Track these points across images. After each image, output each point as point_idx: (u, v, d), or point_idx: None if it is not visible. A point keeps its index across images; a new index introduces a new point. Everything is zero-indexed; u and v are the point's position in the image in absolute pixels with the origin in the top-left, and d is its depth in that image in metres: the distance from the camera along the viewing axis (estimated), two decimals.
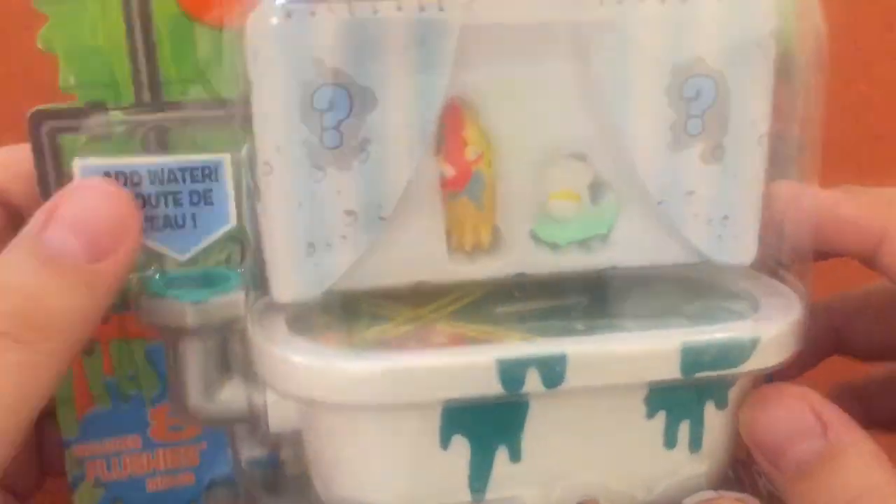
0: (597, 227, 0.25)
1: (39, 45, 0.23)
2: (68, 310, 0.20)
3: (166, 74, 0.24)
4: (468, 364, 0.20)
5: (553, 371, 0.20)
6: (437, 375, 0.20)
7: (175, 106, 0.23)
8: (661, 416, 0.22)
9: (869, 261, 0.23)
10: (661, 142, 0.23)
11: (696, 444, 0.23)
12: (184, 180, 0.21)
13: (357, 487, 0.22)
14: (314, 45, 0.21)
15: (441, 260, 0.24)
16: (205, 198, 0.21)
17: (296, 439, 0.23)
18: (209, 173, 0.21)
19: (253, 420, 0.22)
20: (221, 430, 0.27)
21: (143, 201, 0.21)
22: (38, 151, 0.23)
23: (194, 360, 0.22)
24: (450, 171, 0.24)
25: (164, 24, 0.23)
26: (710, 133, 0.23)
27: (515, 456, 0.22)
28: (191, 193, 0.21)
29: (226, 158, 0.22)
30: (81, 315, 0.20)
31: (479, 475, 0.22)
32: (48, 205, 0.20)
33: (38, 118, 0.23)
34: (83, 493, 0.27)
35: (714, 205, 0.24)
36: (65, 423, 0.26)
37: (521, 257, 0.24)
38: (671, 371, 0.21)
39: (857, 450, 0.21)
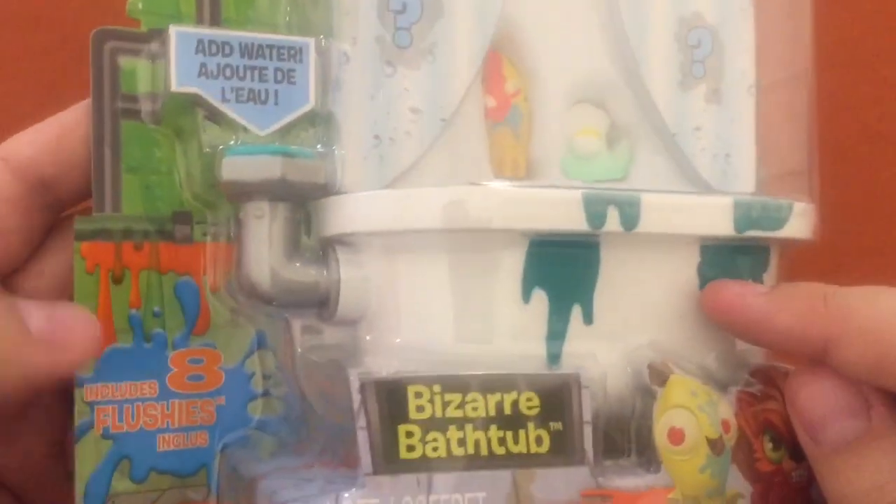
0: (613, 171, 0.27)
1: None
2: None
3: (227, 14, 0.25)
4: (558, 198, 0.22)
5: (630, 211, 0.22)
6: (528, 204, 0.21)
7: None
8: None
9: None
10: (674, 79, 0.26)
11: None
12: (271, 57, 0.23)
13: (427, 334, 0.22)
14: None
15: (485, 178, 0.25)
16: (288, 77, 0.23)
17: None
18: (294, 53, 0.23)
19: (321, 301, 0.22)
20: (243, 381, 0.26)
21: (232, 72, 0.22)
22: (97, 69, 0.24)
23: (266, 223, 0.22)
24: (492, 103, 0.26)
25: None
26: (710, 77, 0.27)
27: (588, 318, 0.22)
28: (276, 71, 0.23)
29: (311, 42, 0.23)
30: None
31: (556, 334, 0.22)
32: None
33: (102, 37, 0.24)
34: (87, 446, 0.24)
35: (718, 141, 0.27)
36: None
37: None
38: (726, 226, 0.23)
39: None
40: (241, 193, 0.22)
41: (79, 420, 0.24)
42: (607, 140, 0.27)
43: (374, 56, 0.23)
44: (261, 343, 0.26)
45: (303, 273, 0.22)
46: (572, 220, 0.21)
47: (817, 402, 0.22)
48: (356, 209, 0.22)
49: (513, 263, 0.22)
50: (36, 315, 0.22)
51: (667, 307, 0.23)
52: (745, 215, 0.23)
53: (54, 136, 0.23)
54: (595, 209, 0.22)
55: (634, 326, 0.23)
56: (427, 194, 0.21)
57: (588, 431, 0.21)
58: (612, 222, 0.22)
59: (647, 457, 0.22)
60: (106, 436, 0.24)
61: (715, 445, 0.22)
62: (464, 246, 0.22)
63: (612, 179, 0.27)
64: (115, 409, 0.24)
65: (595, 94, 0.27)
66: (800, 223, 0.24)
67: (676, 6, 0.26)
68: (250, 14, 0.25)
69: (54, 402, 0.24)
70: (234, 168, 0.21)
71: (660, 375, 0.22)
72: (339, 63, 0.23)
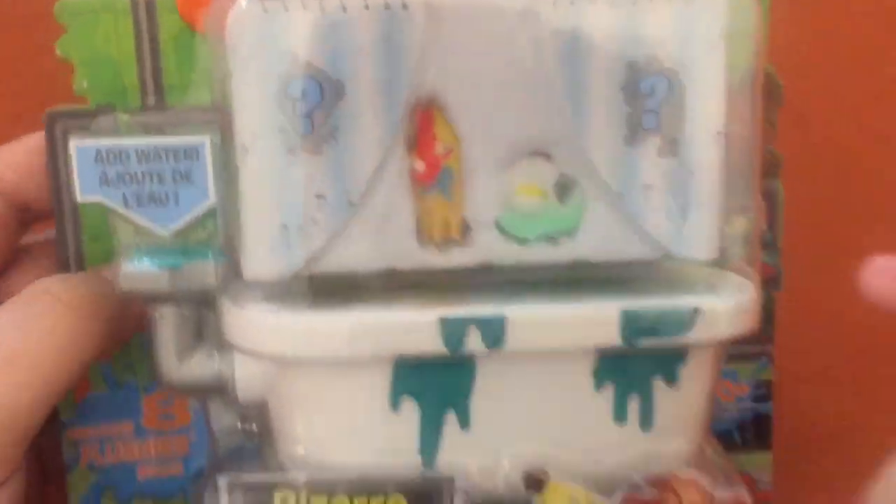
0: (563, 223, 0.26)
1: (58, 52, 0.26)
2: (119, 303, 0.24)
3: (169, 80, 0.26)
4: (412, 322, 0.21)
5: (493, 331, 0.21)
6: (384, 330, 0.21)
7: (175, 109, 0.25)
8: (609, 389, 0.23)
9: None
10: (618, 135, 0.24)
11: (646, 420, 0.23)
12: (167, 159, 0.24)
13: (315, 447, 0.23)
14: (288, 39, 0.23)
15: (411, 249, 0.25)
16: (186, 176, 0.24)
17: (262, 410, 0.24)
18: (191, 153, 0.24)
19: (222, 388, 0.24)
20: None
21: (131, 178, 0.24)
22: (51, 148, 0.26)
23: (168, 326, 0.23)
24: (421, 166, 0.25)
25: (168, 36, 0.26)
26: (665, 128, 0.24)
27: (465, 423, 0.22)
28: (173, 172, 0.24)
29: (207, 140, 0.24)
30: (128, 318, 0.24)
31: (429, 440, 0.22)
32: None
33: (53, 118, 0.26)
34: (76, 477, 0.28)
35: (672, 198, 0.25)
36: (63, 405, 0.28)
37: (489, 248, 0.25)
38: (611, 337, 0.21)
39: None
40: (143, 300, 0.24)
41: (67, 456, 0.28)
42: (557, 192, 0.26)
43: (274, 146, 0.24)
44: None
45: (203, 367, 0.24)
46: (430, 344, 0.21)
47: None
48: (247, 328, 0.23)
49: (380, 378, 0.22)
50: None
51: (556, 414, 0.22)
52: (633, 326, 0.22)
53: (25, 156, 0.26)
54: (452, 331, 0.21)
55: (516, 431, 0.22)
56: (305, 324, 0.22)
57: None
58: (474, 343, 0.21)
59: None
60: (91, 468, 0.28)
61: None
62: (337, 362, 0.22)
63: (561, 233, 0.26)
64: (96, 447, 0.28)
65: (539, 146, 0.25)
66: (718, 325, 0.22)
67: (626, 51, 0.24)
68: (193, 77, 0.26)
69: None
70: (128, 280, 0.23)
71: (537, 482, 0.22)
72: (240, 156, 0.23)
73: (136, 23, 0.26)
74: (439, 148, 0.26)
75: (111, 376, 0.28)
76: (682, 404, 0.23)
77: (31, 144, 0.26)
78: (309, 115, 0.24)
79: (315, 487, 0.22)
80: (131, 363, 0.28)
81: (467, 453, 0.23)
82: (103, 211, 0.26)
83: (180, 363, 0.24)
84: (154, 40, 0.26)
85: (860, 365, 0.36)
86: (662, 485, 0.23)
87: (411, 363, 0.22)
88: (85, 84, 0.26)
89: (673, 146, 0.25)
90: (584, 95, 0.24)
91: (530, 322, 0.22)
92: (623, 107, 0.24)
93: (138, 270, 0.23)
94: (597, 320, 0.22)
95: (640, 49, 0.24)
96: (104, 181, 0.23)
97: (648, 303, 0.22)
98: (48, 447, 0.28)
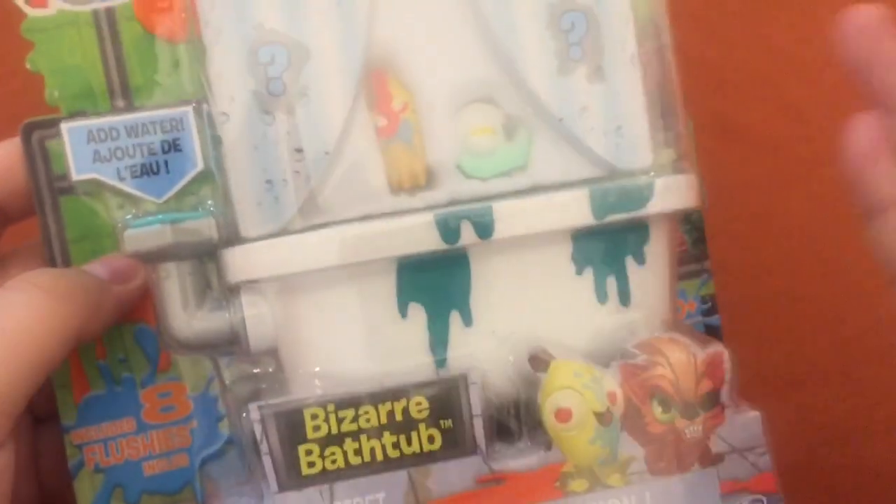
0: (514, 160, 0.29)
1: (28, 67, 0.28)
2: (95, 290, 0.25)
3: (135, 81, 0.28)
4: (411, 224, 0.24)
5: (483, 221, 0.24)
6: (385, 236, 0.23)
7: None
8: (588, 273, 0.25)
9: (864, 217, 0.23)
10: (551, 67, 0.28)
11: (624, 297, 0.26)
12: (155, 132, 0.26)
13: (331, 364, 0.24)
14: (254, 10, 0.26)
15: (385, 196, 0.28)
16: (174, 146, 0.26)
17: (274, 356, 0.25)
18: (176, 124, 0.26)
19: (233, 339, 0.25)
20: (210, 404, 0.29)
21: (123, 153, 0.25)
22: (29, 157, 0.28)
23: (174, 282, 0.25)
24: (382, 122, 0.28)
25: (130, 41, 0.28)
26: (589, 57, 0.28)
27: (468, 320, 0.25)
28: (162, 143, 0.26)
29: (190, 110, 0.26)
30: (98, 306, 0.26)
31: (438, 341, 0.24)
32: None
33: (29, 129, 0.28)
34: (83, 480, 0.28)
35: (607, 118, 0.28)
36: (63, 409, 0.28)
37: (453, 189, 0.28)
38: (584, 215, 0.24)
39: None
40: (146, 260, 0.25)
41: (71, 461, 0.28)
42: (505, 132, 0.29)
43: (251, 108, 0.26)
44: (219, 370, 0.29)
45: (213, 319, 0.25)
46: (430, 242, 0.24)
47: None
48: (247, 259, 0.25)
49: (386, 286, 0.24)
50: (93, 267, 0.27)
51: (544, 299, 0.25)
52: (601, 203, 0.24)
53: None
54: (448, 227, 0.24)
55: (514, 321, 0.25)
56: (299, 240, 0.24)
57: (479, 424, 0.24)
58: (468, 236, 0.24)
59: (539, 438, 0.24)
60: (97, 470, 0.28)
61: (602, 418, 0.24)
62: (341, 278, 0.24)
63: (514, 169, 0.29)
64: (101, 447, 0.28)
65: (482, 93, 0.28)
66: (668, 198, 0.25)
67: None
68: (157, 78, 0.28)
69: (20, 424, 0.27)
70: (132, 241, 0.25)
71: (541, 363, 0.24)
72: (220, 123, 0.26)
73: (99, 32, 0.28)
74: (396, 104, 0.28)
75: (108, 373, 0.29)
76: (652, 280, 0.26)
77: (1, 152, 0.28)
78: (279, 77, 0.26)
79: (341, 402, 0.24)
80: (126, 358, 0.29)
81: (474, 349, 0.25)
82: (86, 212, 0.27)
83: (189, 318, 0.25)
84: (118, 46, 0.28)
85: (784, 251, 0.39)
86: (649, 348, 0.25)
87: (413, 270, 0.24)
88: (56, 94, 0.28)
89: (599, 72, 0.28)
90: (514, 37, 0.28)
91: (514, 211, 0.24)
92: (550, 42, 0.28)
93: (142, 230, 0.24)
94: (570, 202, 0.25)
95: None
96: (97, 158, 0.25)
97: (611, 184, 0.25)
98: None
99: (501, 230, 0.24)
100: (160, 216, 0.25)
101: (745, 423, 0.25)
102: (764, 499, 0.25)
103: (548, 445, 0.24)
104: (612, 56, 0.28)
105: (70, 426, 0.28)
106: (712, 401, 0.25)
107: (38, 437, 0.30)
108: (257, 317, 0.25)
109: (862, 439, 0.28)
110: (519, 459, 0.24)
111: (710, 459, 0.25)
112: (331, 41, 0.26)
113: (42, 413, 0.29)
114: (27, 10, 0.28)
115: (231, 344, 0.26)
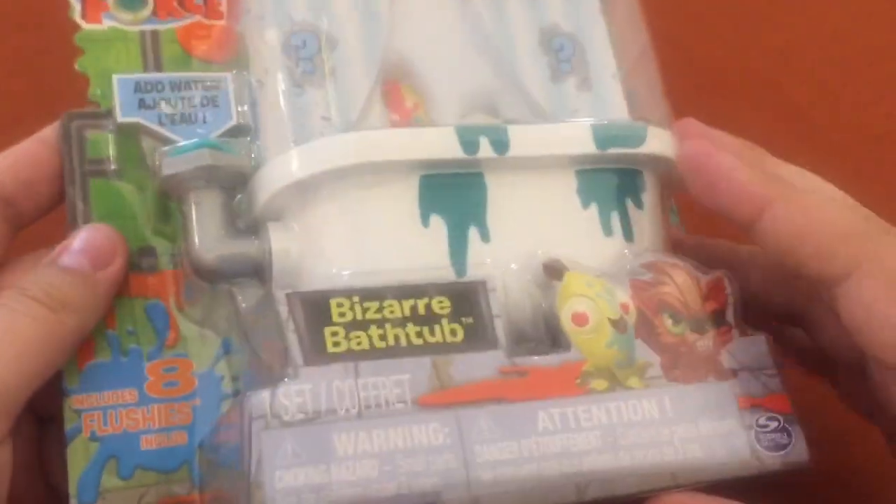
0: None
1: (77, 68, 0.32)
2: (80, 296, 0.26)
3: None
4: (434, 133, 0.26)
5: (500, 137, 0.26)
6: (408, 141, 0.26)
7: None
8: (593, 208, 0.28)
9: (746, 227, 0.25)
10: (545, 75, 0.32)
11: (628, 233, 0.28)
12: (196, 88, 0.29)
13: (354, 266, 0.25)
14: (288, 5, 0.30)
15: None
16: (213, 101, 0.28)
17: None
18: (216, 84, 0.29)
19: (258, 268, 0.26)
20: (215, 383, 0.29)
21: (166, 102, 0.28)
22: (66, 141, 0.30)
23: (205, 209, 0.26)
24: (395, 118, 0.32)
25: (169, 59, 0.32)
26: (577, 71, 0.32)
27: (485, 236, 0.26)
28: (202, 98, 0.28)
29: (229, 75, 0.29)
30: (89, 304, 0.27)
31: (458, 252, 0.26)
32: (63, 242, 0.28)
33: (70, 118, 0.31)
34: (78, 448, 0.27)
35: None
36: (67, 373, 0.28)
37: None
38: (587, 145, 0.27)
39: None
40: (181, 188, 0.27)
41: (68, 426, 0.27)
42: None
43: (282, 81, 0.29)
44: (227, 349, 0.29)
45: (240, 245, 0.27)
46: (450, 150, 0.26)
47: None
48: (273, 170, 0.27)
49: (409, 195, 0.26)
50: (66, 255, 0.27)
51: (555, 224, 0.27)
52: (603, 135, 0.27)
53: (13, 161, 0.29)
54: (468, 138, 0.26)
55: (529, 242, 0.26)
56: (328, 141, 0.26)
57: (499, 323, 0.25)
58: (485, 149, 0.26)
59: (558, 341, 0.25)
60: (93, 438, 0.27)
61: (617, 324, 0.25)
62: (368, 184, 0.26)
63: None
64: (100, 415, 0.27)
65: (484, 103, 0.32)
66: (659, 143, 0.28)
67: (535, 20, 0.32)
68: None
69: (24, 423, 0.27)
70: (171, 164, 0.26)
71: (556, 272, 0.26)
72: (256, 89, 0.29)
73: (143, 48, 0.32)
74: (408, 103, 0.32)
75: (116, 343, 0.29)
76: (651, 226, 0.28)
77: (19, 153, 0.30)
78: (311, 59, 0.30)
79: (367, 294, 0.25)
80: (135, 330, 0.29)
81: (491, 262, 0.26)
82: (113, 194, 0.30)
83: (218, 242, 0.26)
84: (158, 60, 0.32)
85: None
86: (655, 269, 0.27)
87: (434, 185, 0.26)
88: (98, 91, 0.31)
89: (586, 82, 0.33)
90: (513, 51, 0.32)
91: (527, 133, 0.27)
92: (543, 57, 0.32)
93: (180, 155, 0.26)
94: (576, 132, 0.27)
95: (545, 18, 0.33)
96: (142, 105, 0.28)
97: (611, 123, 0.28)
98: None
99: (516, 147, 0.26)
100: (200, 141, 0.27)
101: (752, 342, 0.26)
102: (780, 417, 0.25)
103: (567, 347, 0.25)
104: (596, 72, 0.32)
105: (71, 390, 0.27)
106: (719, 319, 0.26)
107: (43, 437, 0.29)
108: (284, 240, 0.26)
109: (862, 439, 0.29)
110: (541, 357, 0.24)
111: (723, 374, 0.26)
112: (355, 37, 0.30)
113: (47, 413, 0.28)
114: (82, 23, 0.31)
115: (254, 274, 0.26)
